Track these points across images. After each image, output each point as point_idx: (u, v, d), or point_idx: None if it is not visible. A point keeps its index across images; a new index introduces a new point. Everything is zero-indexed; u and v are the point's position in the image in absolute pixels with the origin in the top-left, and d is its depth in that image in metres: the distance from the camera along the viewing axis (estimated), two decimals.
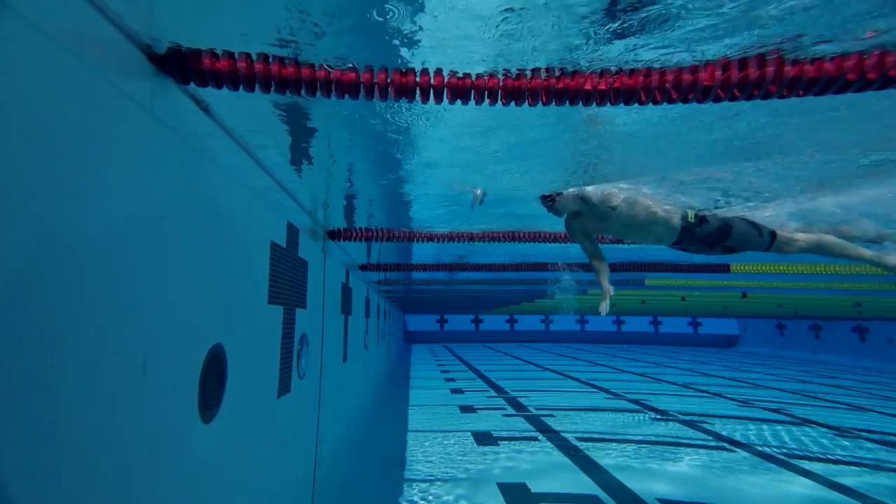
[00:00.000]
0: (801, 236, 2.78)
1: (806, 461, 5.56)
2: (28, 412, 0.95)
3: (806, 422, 7.65)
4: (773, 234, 2.79)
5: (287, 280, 2.78)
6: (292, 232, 2.91)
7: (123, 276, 1.27)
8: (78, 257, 1.10)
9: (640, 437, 6.53)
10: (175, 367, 1.53)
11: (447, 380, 12.39)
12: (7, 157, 0.90)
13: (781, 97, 1.46)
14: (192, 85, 1.48)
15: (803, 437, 6.68)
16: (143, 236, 1.36)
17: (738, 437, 6.64)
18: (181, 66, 1.41)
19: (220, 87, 1.46)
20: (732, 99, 1.49)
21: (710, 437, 6.61)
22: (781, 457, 5.75)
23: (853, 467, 5.38)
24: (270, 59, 1.42)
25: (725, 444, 6.27)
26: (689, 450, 5.98)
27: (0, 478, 0.88)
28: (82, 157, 1.12)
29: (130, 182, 1.30)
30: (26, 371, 0.95)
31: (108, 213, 1.20)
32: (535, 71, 1.49)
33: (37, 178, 0.99)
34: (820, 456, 5.83)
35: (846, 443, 6.47)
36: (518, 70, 1.49)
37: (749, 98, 1.48)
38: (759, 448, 6.09)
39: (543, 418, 7.64)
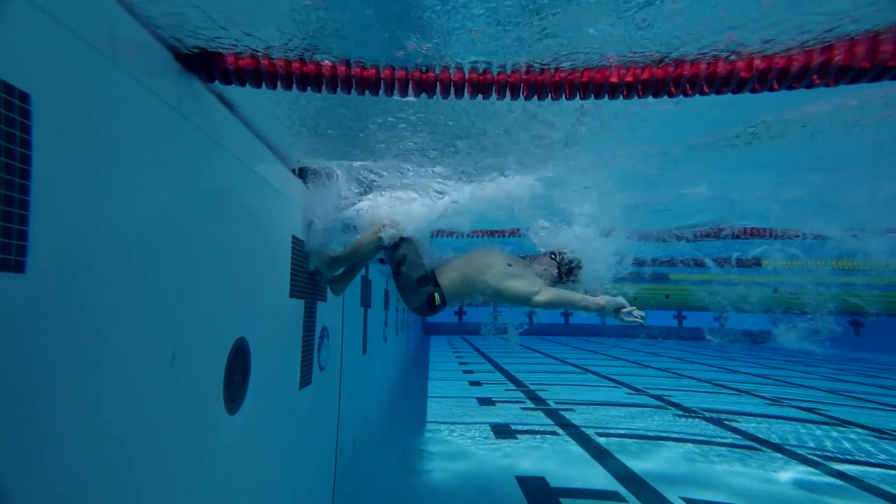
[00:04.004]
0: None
1: (844, 464, 5.36)
2: (68, 404, 0.99)
3: (844, 423, 7.38)
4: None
5: (308, 274, 2.82)
6: None
7: (153, 271, 1.30)
8: (110, 254, 1.14)
9: (662, 434, 6.44)
10: (201, 360, 1.58)
11: (465, 372, 12.43)
12: (46, 158, 0.93)
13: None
14: (217, 83, 1.50)
15: (841, 439, 6.44)
16: (171, 232, 1.39)
17: (766, 436, 6.47)
18: (206, 64, 1.43)
19: (243, 84, 1.48)
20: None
21: (738, 436, 6.45)
22: (813, 458, 5.57)
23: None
24: (291, 57, 1.42)
25: (753, 443, 6.11)
26: (714, 448, 5.85)
27: (43, 461, 0.92)
28: (114, 156, 1.15)
29: (158, 179, 1.33)
30: (65, 365, 0.99)
31: (137, 210, 1.24)
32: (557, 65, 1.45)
33: (71, 177, 1.02)
34: (859, 459, 5.62)
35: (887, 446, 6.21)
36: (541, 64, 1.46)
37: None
38: (789, 448, 5.92)
39: (563, 412, 7.60)
